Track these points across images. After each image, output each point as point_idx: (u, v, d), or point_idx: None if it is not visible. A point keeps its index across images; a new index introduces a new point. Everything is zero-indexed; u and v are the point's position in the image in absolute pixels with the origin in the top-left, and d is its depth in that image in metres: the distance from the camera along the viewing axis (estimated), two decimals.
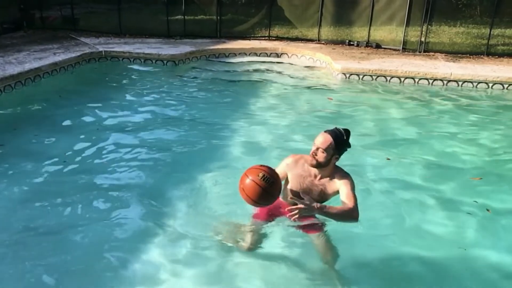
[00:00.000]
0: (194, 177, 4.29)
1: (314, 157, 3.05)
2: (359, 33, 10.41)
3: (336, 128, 3.11)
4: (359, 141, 5.36)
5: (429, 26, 9.69)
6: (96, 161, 4.73)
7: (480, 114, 6.61)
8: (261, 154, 4.97)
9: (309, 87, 7.82)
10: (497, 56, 9.46)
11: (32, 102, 6.45)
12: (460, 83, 7.90)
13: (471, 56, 9.46)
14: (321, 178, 3.13)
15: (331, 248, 3.20)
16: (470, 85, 7.87)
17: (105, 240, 3.45)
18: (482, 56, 9.49)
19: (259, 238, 3.32)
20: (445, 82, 7.94)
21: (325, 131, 3.08)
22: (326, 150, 3.01)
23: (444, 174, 4.69)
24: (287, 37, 10.68)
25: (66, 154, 4.81)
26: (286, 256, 3.28)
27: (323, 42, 10.47)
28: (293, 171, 3.18)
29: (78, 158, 4.74)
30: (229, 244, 3.34)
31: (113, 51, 8.89)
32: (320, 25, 10.51)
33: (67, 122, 5.76)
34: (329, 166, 3.09)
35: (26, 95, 6.68)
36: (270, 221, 3.29)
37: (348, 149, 3.13)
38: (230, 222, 3.47)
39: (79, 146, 5.06)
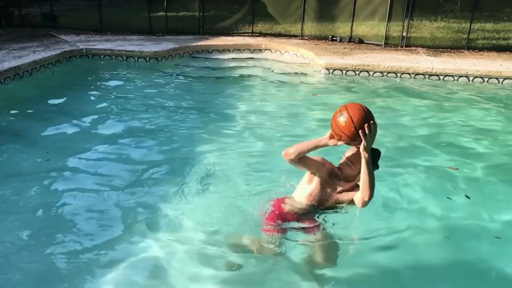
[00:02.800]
0: (176, 176, 4.27)
1: (341, 170, 3.06)
2: (342, 28, 10.46)
3: None
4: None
5: (410, 21, 9.78)
6: (79, 160, 4.66)
7: (460, 107, 6.71)
8: (245, 151, 4.96)
9: (292, 83, 7.84)
10: (477, 50, 9.60)
11: (12, 101, 6.32)
12: (441, 77, 8.00)
13: (452, 50, 9.58)
14: (341, 191, 3.11)
15: (330, 248, 3.23)
16: (451, 78, 7.98)
17: (86, 245, 3.41)
18: (462, 50, 9.62)
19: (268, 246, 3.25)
20: (426, 76, 8.03)
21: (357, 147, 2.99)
22: (354, 163, 3.00)
23: (422, 164, 4.76)
24: (270, 33, 10.68)
25: (48, 153, 4.73)
26: (287, 258, 3.26)
27: (306, 37, 10.49)
28: (322, 173, 3.11)
29: (60, 158, 4.67)
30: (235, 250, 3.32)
31: (94, 49, 8.77)
32: (303, 21, 10.52)
33: (48, 121, 5.66)
34: (354, 181, 3.07)
35: (5, 94, 6.54)
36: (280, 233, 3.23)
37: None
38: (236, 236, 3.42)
39: (61, 145, 4.98)
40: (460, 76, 7.96)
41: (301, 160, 3.00)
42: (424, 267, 3.31)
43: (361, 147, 2.76)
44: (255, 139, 5.32)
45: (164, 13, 10.65)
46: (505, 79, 7.85)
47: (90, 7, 10.87)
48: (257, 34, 10.63)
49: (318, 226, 3.22)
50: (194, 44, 9.51)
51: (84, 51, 8.67)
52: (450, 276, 3.25)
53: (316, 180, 3.10)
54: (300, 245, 3.26)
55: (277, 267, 3.20)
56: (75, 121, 5.69)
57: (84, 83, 7.46)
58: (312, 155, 3.11)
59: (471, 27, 9.70)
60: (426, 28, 10.30)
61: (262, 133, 5.50)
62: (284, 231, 3.21)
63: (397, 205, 3.92)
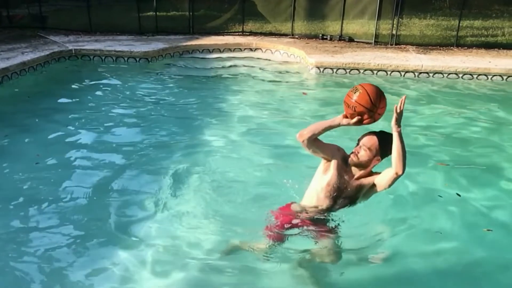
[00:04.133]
0: (166, 176, 4.25)
1: (356, 155, 2.98)
2: (332, 27, 10.49)
3: (383, 131, 3.03)
4: (335, 133, 5.42)
5: (400, 19, 9.83)
6: (68, 161, 4.62)
7: (450, 103, 6.76)
8: (236, 151, 4.95)
9: (283, 82, 7.84)
10: (466, 47, 9.68)
11: (0, 103, 6.26)
12: (431, 74, 8.05)
13: (441, 48, 9.65)
14: (357, 178, 3.04)
15: (337, 253, 3.20)
16: (440, 76, 8.03)
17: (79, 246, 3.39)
18: (451, 47, 9.69)
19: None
20: (416, 74, 8.07)
21: (371, 132, 3.01)
22: (369, 148, 2.95)
23: (413, 160, 4.77)
24: (261, 32, 10.68)
25: (37, 155, 4.68)
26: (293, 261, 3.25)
27: (296, 36, 10.50)
28: (338, 158, 3.05)
29: (50, 159, 4.62)
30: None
31: (84, 49, 8.71)
32: (293, 20, 10.54)
33: (37, 123, 5.62)
34: (367, 167, 3.02)
35: None
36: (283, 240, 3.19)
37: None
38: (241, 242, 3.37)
39: (50, 147, 4.94)
40: (449, 73, 8.02)
41: (316, 142, 2.96)
42: (417, 264, 3.32)
43: (393, 121, 2.75)
44: (246, 138, 5.30)
45: (154, 13, 10.60)
46: (493, 75, 7.92)
47: (79, 7, 10.81)
48: (248, 33, 10.62)
49: (328, 230, 3.18)
50: (184, 44, 9.48)
51: (73, 51, 8.60)
52: (443, 270, 3.27)
53: (332, 167, 3.04)
54: (304, 252, 3.24)
55: (282, 273, 3.16)
56: (65, 123, 5.64)
57: (73, 84, 7.39)
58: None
59: (460, 24, 9.78)
60: (416, 26, 10.36)
61: (253, 132, 5.49)
62: (285, 237, 3.18)
63: (387, 203, 3.93)
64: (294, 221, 3.18)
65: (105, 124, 5.66)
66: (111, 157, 4.73)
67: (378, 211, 3.72)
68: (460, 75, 7.98)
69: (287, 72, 8.45)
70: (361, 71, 8.11)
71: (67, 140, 5.14)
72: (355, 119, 2.82)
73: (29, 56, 7.84)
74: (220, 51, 9.50)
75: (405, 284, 3.19)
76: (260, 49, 9.66)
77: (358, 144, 3.01)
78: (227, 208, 3.74)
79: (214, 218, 3.61)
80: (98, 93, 6.97)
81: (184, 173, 4.34)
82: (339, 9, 10.16)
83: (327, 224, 3.19)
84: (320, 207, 3.11)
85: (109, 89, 7.16)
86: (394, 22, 9.80)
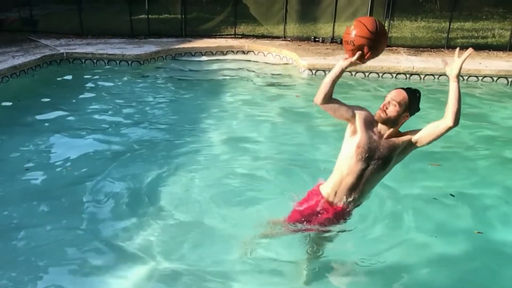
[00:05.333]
0: (159, 179, 4.25)
1: (385, 111, 2.83)
2: (324, 29, 10.54)
3: (409, 87, 2.95)
4: (329, 135, 5.45)
5: (391, 21, 9.90)
6: (59, 166, 4.59)
7: (442, 104, 6.76)
8: (229, 153, 4.95)
9: (276, 84, 7.85)
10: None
11: None
12: (422, 76, 8.10)
13: (432, 50, 9.71)
14: (387, 137, 2.91)
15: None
16: (431, 77, 8.09)
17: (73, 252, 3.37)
18: (442, 49, 9.76)
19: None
20: (407, 75, 8.12)
21: (399, 88, 2.92)
22: (399, 104, 2.81)
23: (405, 161, 4.79)
24: (253, 35, 10.68)
25: (28, 159, 4.66)
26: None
27: (289, 39, 10.53)
28: (363, 116, 2.91)
29: (41, 165, 4.60)
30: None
31: (75, 53, 8.67)
32: (285, 22, 10.56)
33: (28, 127, 5.57)
34: (396, 125, 2.90)
35: None
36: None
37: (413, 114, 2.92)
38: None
39: (41, 150, 4.91)
40: (440, 75, 8.06)
41: (334, 101, 2.88)
42: (410, 265, 3.35)
43: (455, 69, 2.74)
44: (239, 141, 5.31)
45: (146, 16, 10.58)
46: (484, 77, 7.98)
47: (70, 10, 10.74)
48: (240, 36, 10.63)
49: (347, 212, 3.08)
50: (177, 46, 9.47)
51: (65, 55, 8.55)
52: (437, 273, 3.29)
53: (359, 128, 2.89)
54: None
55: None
56: (56, 126, 5.61)
57: (65, 88, 7.37)
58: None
59: (451, 26, 9.86)
60: (407, 28, 10.44)
61: (245, 135, 5.49)
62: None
63: (381, 204, 3.95)
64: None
65: (97, 128, 5.63)
66: (102, 161, 4.69)
67: (372, 212, 3.74)
68: None
69: (279, 74, 8.46)
70: (353, 73, 8.14)
71: (58, 143, 5.11)
72: (356, 55, 2.71)
73: (20, 59, 7.78)
74: (212, 53, 9.50)
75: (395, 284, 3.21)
76: (253, 51, 9.67)
77: (386, 99, 2.89)
78: (229, 210, 3.74)
79: (216, 220, 3.60)
80: (90, 96, 6.94)
81: (180, 175, 4.36)
82: (331, 11, 10.21)
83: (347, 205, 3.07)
84: (350, 180, 2.97)
85: (101, 92, 7.13)
86: (385, 24, 9.85)
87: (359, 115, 2.92)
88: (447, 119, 2.78)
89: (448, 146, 5.27)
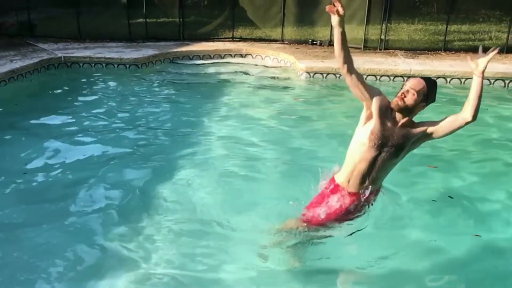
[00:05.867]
0: (157, 182, 4.25)
1: (403, 99, 2.86)
2: (321, 32, 10.56)
3: (427, 77, 3.01)
4: (328, 138, 5.45)
5: (388, 24, 9.92)
6: (58, 171, 4.57)
7: (439, 107, 6.77)
8: (227, 156, 4.95)
9: (274, 88, 7.86)
10: (454, 52, 9.77)
11: None
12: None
13: (429, 52, 9.74)
14: (401, 126, 2.93)
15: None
16: None
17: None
18: (439, 52, 9.79)
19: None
20: (405, 78, 8.11)
21: (417, 77, 2.95)
22: (418, 93, 2.85)
23: (402, 163, 4.80)
24: (251, 38, 10.70)
25: (26, 163, 4.65)
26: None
27: (286, 42, 10.55)
28: (379, 107, 2.91)
29: (39, 169, 4.58)
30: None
31: (73, 57, 8.67)
32: (283, 25, 10.58)
33: (25, 131, 5.56)
34: (412, 114, 2.93)
35: None
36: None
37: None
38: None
39: (39, 154, 4.89)
40: (437, 77, 8.06)
41: (358, 78, 2.88)
42: (409, 268, 3.34)
43: (481, 65, 2.77)
44: (238, 145, 5.30)
45: (144, 20, 10.59)
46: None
47: (68, 14, 10.75)
48: (238, 39, 10.65)
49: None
50: (175, 50, 9.48)
51: (63, 59, 8.56)
52: (436, 276, 3.29)
53: (374, 114, 2.91)
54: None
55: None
56: (53, 130, 5.60)
57: (62, 92, 7.36)
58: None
59: (448, 29, 9.88)
60: (404, 30, 10.46)
61: (245, 139, 5.49)
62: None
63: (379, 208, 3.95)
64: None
65: (94, 132, 5.62)
66: (100, 165, 4.68)
67: (370, 216, 3.73)
68: (448, 79, 8.06)
69: (277, 77, 8.48)
70: None
71: (55, 147, 5.09)
72: (338, 4, 2.76)
73: (18, 64, 7.78)
74: (210, 57, 9.51)
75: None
76: (251, 54, 9.69)
77: (404, 87, 2.91)
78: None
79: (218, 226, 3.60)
80: (88, 100, 6.93)
81: (178, 178, 4.36)
82: (328, 15, 10.06)
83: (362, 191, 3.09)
84: (363, 166, 2.98)
85: (98, 96, 7.13)
86: (383, 27, 9.89)
87: (376, 100, 2.92)
88: (466, 113, 2.80)
89: (445, 147, 5.29)
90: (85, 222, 3.72)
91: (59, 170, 4.58)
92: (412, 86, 2.88)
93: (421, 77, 2.95)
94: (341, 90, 7.71)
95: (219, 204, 3.91)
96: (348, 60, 2.88)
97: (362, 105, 3.02)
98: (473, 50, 9.72)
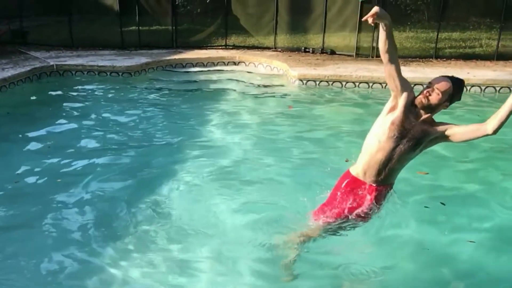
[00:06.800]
0: (148, 192, 4.22)
1: (427, 97, 2.92)
2: (314, 40, 10.62)
3: (455, 76, 3.03)
4: (321, 145, 5.46)
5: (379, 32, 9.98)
6: (49, 180, 4.52)
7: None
8: (220, 164, 4.93)
9: (267, 95, 7.86)
10: (445, 59, 9.88)
11: None
12: (411, 85, 8.16)
13: (421, 60, 9.82)
14: (422, 121, 2.98)
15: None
16: (420, 87, 8.09)
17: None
18: (431, 59, 9.88)
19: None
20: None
21: (444, 76, 3.00)
22: (442, 92, 2.90)
23: None
24: (244, 46, 10.75)
25: (17, 172, 4.61)
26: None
27: (279, 49, 10.60)
28: (406, 101, 2.98)
29: (30, 178, 4.54)
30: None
31: (65, 65, 8.64)
32: (275, 33, 10.64)
33: (17, 140, 5.51)
34: (434, 112, 2.99)
35: None
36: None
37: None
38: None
39: (31, 163, 4.85)
40: None
41: (397, 69, 2.98)
42: (400, 276, 3.32)
43: None
44: (232, 153, 5.29)
45: (137, 28, 10.61)
46: (472, 86, 8.07)
47: (60, 22, 10.75)
48: (231, 47, 10.68)
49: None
50: (168, 58, 9.49)
51: (55, 67, 8.53)
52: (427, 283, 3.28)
53: (400, 105, 2.98)
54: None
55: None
56: (45, 139, 5.57)
57: (55, 100, 7.33)
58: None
59: (439, 36, 9.99)
60: (395, 38, 10.50)
61: (239, 147, 5.48)
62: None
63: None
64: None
65: (87, 140, 5.60)
66: (95, 173, 4.65)
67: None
68: None
69: (270, 85, 8.49)
70: (343, 83, 8.20)
71: (47, 156, 5.05)
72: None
73: (9, 72, 7.74)
74: (203, 65, 9.53)
75: None
76: (244, 62, 9.71)
77: (430, 85, 2.96)
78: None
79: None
80: (80, 109, 6.89)
81: (169, 185, 4.34)
82: (321, 22, 10.30)
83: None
84: (380, 156, 3.01)
85: (91, 105, 7.10)
86: (374, 35, 9.95)
87: (405, 95, 3.01)
88: (489, 126, 2.84)
89: (436, 153, 5.31)
90: (71, 230, 3.69)
91: (51, 179, 4.54)
92: (438, 87, 2.93)
93: (449, 77, 2.99)
94: (334, 97, 7.76)
95: (210, 213, 3.89)
96: (391, 50, 2.97)
97: (389, 95, 3.08)
98: (464, 57, 9.85)
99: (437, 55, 9.93)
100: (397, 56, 3.01)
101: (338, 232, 3.18)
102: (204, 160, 5.05)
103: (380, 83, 8.16)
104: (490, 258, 3.50)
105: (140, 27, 10.61)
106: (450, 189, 4.47)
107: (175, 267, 3.27)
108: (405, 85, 3.03)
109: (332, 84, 8.21)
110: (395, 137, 2.96)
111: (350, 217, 3.14)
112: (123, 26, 10.50)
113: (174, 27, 10.72)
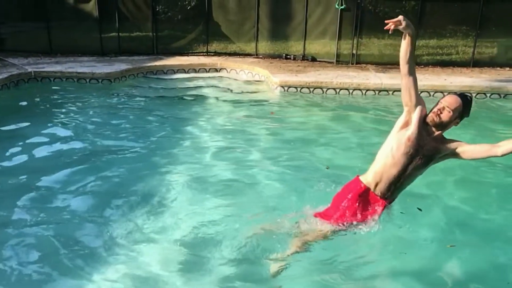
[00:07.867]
0: (131, 200, 4.19)
1: (438, 115, 3.03)
2: (295, 47, 10.70)
3: (463, 93, 3.14)
4: (302, 151, 5.49)
5: (359, 39, 10.15)
6: (28, 185, 4.44)
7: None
8: (204, 175, 4.90)
9: (249, 102, 7.88)
10: (422, 66, 10.06)
11: None
12: (390, 92, 8.31)
13: (399, 67, 9.94)
14: (434, 138, 3.10)
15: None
16: (399, 93, 8.26)
17: None
18: None
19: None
20: (377, 92, 8.31)
21: (454, 94, 3.11)
22: (453, 110, 3.01)
23: None
24: (225, 52, 10.76)
25: None
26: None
27: (261, 56, 10.65)
28: (419, 117, 3.10)
29: (6, 185, 4.45)
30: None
31: (44, 71, 8.51)
32: (257, 40, 10.69)
33: None
34: (445, 129, 3.10)
35: None
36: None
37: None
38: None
39: (7, 172, 4.76)
40: None
41: (413, 83, 3.08)
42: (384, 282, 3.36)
43: None
44: (213, 160, 5.28)
45: (116, 34, 10.51)
46: (449, 92, 8.20)
47: (38, 28, 10.56)
48: (212, 54, 10.68)
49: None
50: (148, 64, 9.43)
51: (33, 74, 8.39)
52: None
53: (413, 122, 3.09)
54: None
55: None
56: (23, 147, 5.46)
57: (33, 108, 7.20)
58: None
59: (416, 44, 10.16)
60: (375, 45, 10.70)
61: (220, 154, 5.47)
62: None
63: None
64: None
65: (66, 148, 5.52)
66: (74, 184, 4.57)
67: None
68: (418, 93, 8.25)
69: (252, 92, 8.52)
70: (324, 89, 8.28)
71: (24, 165, 4.96)
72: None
73: None
74: (185, 71, 9.50)
75: None
76: (225, 69, 9.72)
77: (440, 104, 3.06)
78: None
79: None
80: (59, 116, 6.78)
81: (148, 195, 4.28)
82: (301, 29, 10.40)
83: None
84: (394, 171, 3.09)
85: (70, 112, 6.99)
86: (354, 42, 10.11)
87: (419, 110, 3.11)
88: (499, 150, 2.94)
89: None
90: (55, 231, 3.63)
91: (29, 184, 4.45)
92: (448, 105, 3.05)
93: (458, 94, 3.11)
94: (315, 103, 7.82)
95: (196, 219, 3.88)
96: (411, 61, 3.09)
97: (402, 110, 3.18)
98: (441, 64, 10.06)
99: (415, 62, 10.07)
100: (415, 68, 3.12)
101: (331, 237, 3.26)
102: (185, 167, 5.02)
103: (360, 90, 8.28)
104: (471, 261, 3.55)
105: (120, 33, 10.52)
106: (427, 194, 4.48)
107: (162, 272, 3.23)
108: (419, 100, 3.15)
109: (313, 91, 8.28)
110: (410, 153, 3.08)
111: (353, 224, 3.22)
112: (102, 32, 10.39)
113: (154, 34, 10.67)
